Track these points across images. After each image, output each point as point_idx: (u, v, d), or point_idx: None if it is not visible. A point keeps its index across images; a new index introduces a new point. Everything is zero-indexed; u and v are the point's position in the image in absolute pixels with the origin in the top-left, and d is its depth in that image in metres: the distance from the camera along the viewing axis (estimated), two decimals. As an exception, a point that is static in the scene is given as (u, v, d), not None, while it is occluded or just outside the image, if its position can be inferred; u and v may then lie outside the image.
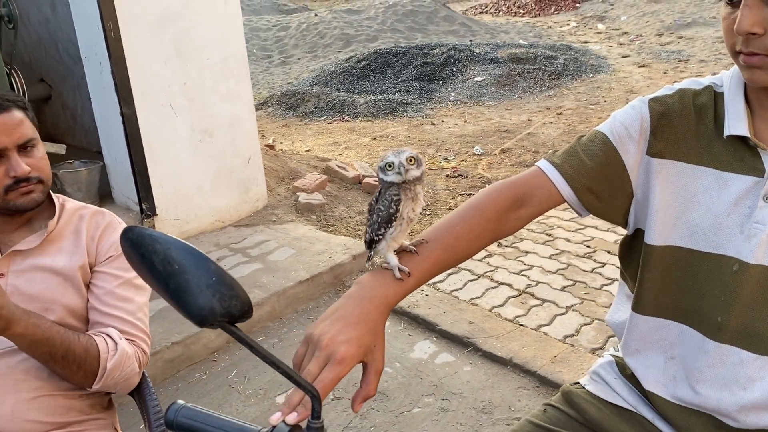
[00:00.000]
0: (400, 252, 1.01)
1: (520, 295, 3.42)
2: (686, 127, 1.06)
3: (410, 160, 0.95)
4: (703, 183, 1.04)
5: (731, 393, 1.04)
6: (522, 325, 3.13)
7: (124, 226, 1.63)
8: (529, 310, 3.28)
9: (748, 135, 0.99)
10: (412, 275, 0.97)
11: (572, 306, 3.29)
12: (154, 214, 3.83)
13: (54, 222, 1.55)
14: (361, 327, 0.88)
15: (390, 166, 0.95)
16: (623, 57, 10.39)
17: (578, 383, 1.29)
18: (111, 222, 1.61)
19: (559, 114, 7.57)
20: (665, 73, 9.18)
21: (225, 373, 3.03)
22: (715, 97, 1.05)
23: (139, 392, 1.64)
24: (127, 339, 1.52)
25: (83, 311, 1.54)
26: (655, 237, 1.08)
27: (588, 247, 3.94)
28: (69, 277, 1.52)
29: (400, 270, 0.97)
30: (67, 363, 1.40)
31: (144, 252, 0.74)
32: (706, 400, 1.06)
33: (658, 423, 1.14)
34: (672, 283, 1.09)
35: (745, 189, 1.00)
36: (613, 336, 3.02)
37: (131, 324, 1.54)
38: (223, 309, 0.73)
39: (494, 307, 3.32)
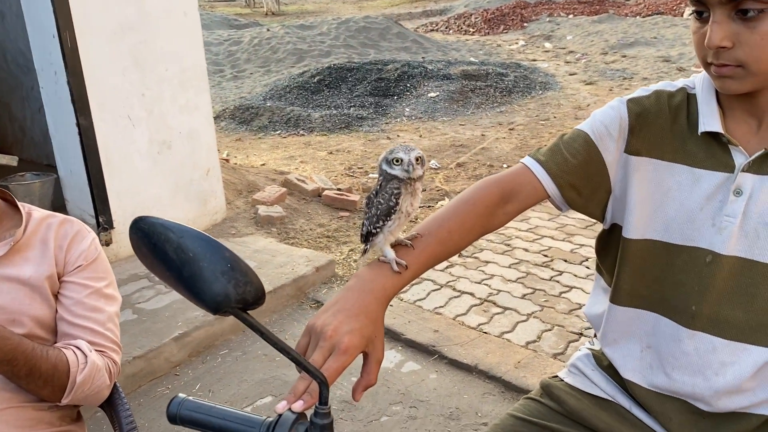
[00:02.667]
0: (396, 246, 1.04)
1: (483, 303, 3.48)
2: (662, 126, 1.13)
3: (417, 160, 0.98)
4: (677, 179, 1.11)
5: (705, 378, 1.10)
6: (485, 333, 3.18)
7: (93, 235, 1.62)
8: (492, 317, 3.34)
9: (722, 131, 1.06)
10: (408, 268, 1.00)
11: (533, 313, 3.37)
12: (111, 227, 3.75)
13: (21, 231, 1.51)
14: (363, 318, 0.91)
15: (398, 161, 0.98)
16: (570, 75, 10.72)
17: (557, 376, 1.34)
18: (80, 231, 1.58)
19: (512, 129, 7.75)
20: (611, 90, 9.51)
21: (189, 387, 2.98)
22: (688, 98, 1.13)
23: (110, 404, 1.61)
24: (97, 350, 1.49)
25: (52, 322, 1.50)
26: (632, 231, 1.14)
27: (545, 256, 4.05)
28: (36, 287, 1.48)
29: (397, 263, 0.99)
30: (32, 379, 1.37)
31: (157, 242, 0.75)
32: (681, 386, 1.12)
33: (635, 411, 1.19)
34: (648, 275, 1.15)
35: (717, 184, 1.07)
36: (574, 341, 3.11)
37: (101, 335, 1.51)
38: (238, 295, 0.74)
39: (458, 315, 3.37)
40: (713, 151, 1.08)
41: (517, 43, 14.21)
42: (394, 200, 0.99)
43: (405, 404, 2.77)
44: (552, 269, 3.88)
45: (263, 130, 8.53)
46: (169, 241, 0.74)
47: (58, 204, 3.91)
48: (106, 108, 3.66)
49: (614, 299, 1.20)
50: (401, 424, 2.66)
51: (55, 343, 1.50)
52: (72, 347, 1.45)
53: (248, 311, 0.77)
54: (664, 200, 1.12)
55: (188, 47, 4.06)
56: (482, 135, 7.58)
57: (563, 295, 3.56)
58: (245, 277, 0.75)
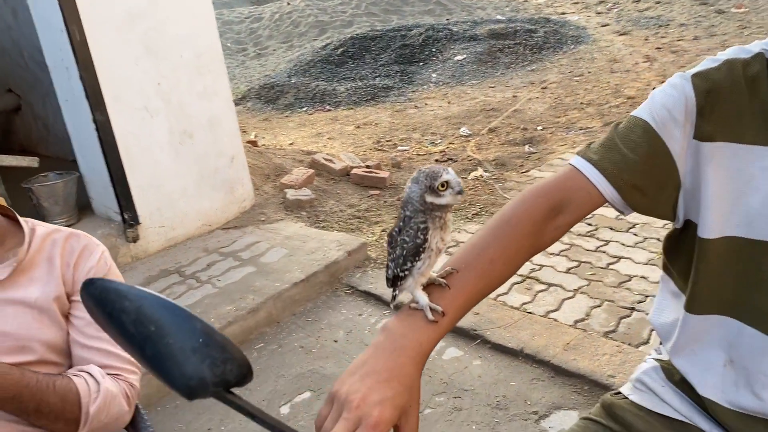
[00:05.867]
0: (429, 286, 0.87)
1: (525, 280, 3.30)
2: (738, 103, 0.92)
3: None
4: (761, 164, 0.91)
5: None
6: (530, 313, 3.01)
7: (102, 248, 1.48)
8: (536, 295, 3.16)
9: None
10: (446, 314, 0.84)
11: (579, 288, 3.18)
12: (137, 222, 3.67)
13: (24, 250, 1.39)
14: (395, 384, 0.76)
15: (444, 186, 0.82)
16: (602, 26, 10.25)
17: (619, 393, 1.16)
18: (87, 245, 1.46)
19: (544, 88, 7.44)
20: (646, 39, 9.06)
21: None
22: None
23: (133, 427, 1.50)
24: (112, 374, 1.38)
25: (64, 345, 1.39)
26: (709, 229, 0.95)
27: (589, 225, 3.83)
28: (45, 309, 1.36)
29: (432, 310, 0.83)
30: (41, 415, 1.27)
31: (111, 311, 0.60)
32: None
33: (717, 434, 1.02)
34: (730, 279, 0.96)
35: None
36: (626, 317, 2.91)
37: (117, 356, 1.40)
38: (215, 377, 0.60)
39: (499, 295, 3.20)
40: None
41: (544, -3, 13.67)
42: (422, 237, 0.83)
43: (449, 394, 2.63)
44: (597, 239, 3.66)
45: (290, 108, 8.39)
46: (126, 312, 0.60)
47: (83, 203, 3.84)
48: (122, 101, 3.54)
49: (690, 307, 1.02)
50: (446, 417, 2.53)
51: (71, 367, 1.39)
52: (83, 375, 1.34)
53: (233, 390, 0.62)
54: (746, 190, 0.92)
55: (201, 30, 3.90)
56: (514, 96, 7.30)
57: (611, 266, 3.35)
58: (224, 353, 0.60)
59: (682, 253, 1.03)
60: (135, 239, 3.66)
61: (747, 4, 9.71)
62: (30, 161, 3.49)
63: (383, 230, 4.05)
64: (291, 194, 4.35)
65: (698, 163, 0.95)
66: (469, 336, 2.93)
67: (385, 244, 0.93)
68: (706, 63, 0.96)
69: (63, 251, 1.43)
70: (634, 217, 3.87)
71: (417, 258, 0.84)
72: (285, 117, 8.11)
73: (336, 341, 3.10)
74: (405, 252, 0.84)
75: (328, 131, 7.01)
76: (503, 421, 2.46)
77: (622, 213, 1.01)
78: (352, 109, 7.89)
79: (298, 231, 3.97)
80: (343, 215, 4.28)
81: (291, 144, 6.62)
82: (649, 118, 0.95)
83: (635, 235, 3.66)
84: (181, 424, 2.69)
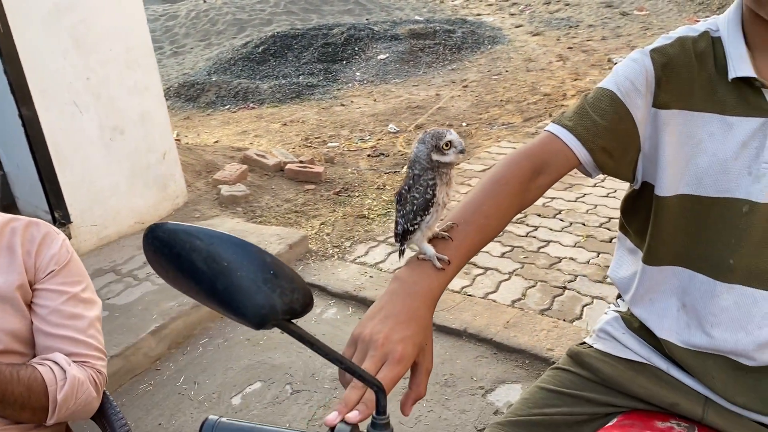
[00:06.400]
0: (432, 239, 0.96)
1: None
2: (689, 75, 1.06)
3: None
4: (708, 129, 1.05)
5: (747, 333, 1.06)
6: (470, 295, 3.15)
7: (63, 236, 1.48)
8: (474, 279, 3.31)
9: (754, 75, 1.00)
10: (451, 263, 0.93)
11: (514, 271, 3.35)
12: (69, 221, 3.55)
13: None
14: (413, 325, 0.83)
15: (448, 145, 0.90)
16: (517, 27, 10.68)
17: (584, 343, 1.29)
18: (48, 233, 1.44)
19: (466, 87, 7.69)
20: (558, 39, 9.52)
21: (172, 381, 2.86)
22: (713, 42, 1.06)
23: (102, 414, 1.50)
24: (79, 361, 1.38)
25: (28, 334, 1.38)
26: (665, 188, 1.09)
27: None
28: (7, 298, 1.34)
29: (439, 259, 0.92)
30: (6, 405, 1.26)
31: (181, 252, 0.64)
32: (722, 343, 1.08)
33: (673, 371, 1.15)
34: (682, 232, 1.10)
35: (752, 130, 1.02)
36: (558, 295, 3.10)
37: (83, 343, 1.39)
38: (285, 305, 0.65)
39: (440, 280, 3.32)
40: (746, 97, 1.02)
41: (459, -1, 14.07)
42: (431, 192, 0.91)
43: (399, 376, 2.72)
44: (527, 225, 3.86)
45: (211, 106, 8.26)
46: (197, 250, 0.64)
47: (7, 202, 3.67)
48: (50, 95, 3.42)
49: (647, 259, 1.15)
50: (398, 396, 2.61)
51: (35, 356, 1.38)
52: (48, 363, 1.33)
53: (294, 321, 0.68)
54: (695, 152, 1.06)
55: (132, 24, 3.82)
56: (437, 94, 7.50)
57: (541, 250, 3.55)
58: (291, 283, 0.65)
59: (639, 212, 1.16)
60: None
61: (648, 8, 10.38)
62: (-51, 159, 3.31)
63: (322, 223, 4.10)
64: (225, 190, 4.32)
65: (656, 128, 1.08)
66: (414, 320, 3.03)
67: (394, 203, 1.00)
68: (661, 40, 1.10)
69: (23, 239, 1.41)
70: (559, 204, 4.11)
71: (426, 212, 0.92)
72: (207, 115, 7.98)
73: (283, 332, 3.12)
74: (415, 207, 0.92)
75: (254, 129, 6.96)
76: (452, 398, 2.58)
77: (590, 175, 1.13)
78: (277, 106, 7.87)
79: (236, 226, 3.96)
80: (280, 210, 4.29)
81: (216, 142, 6.54)
82: (615, 89, 1.07)
83: (561, 220, 3.88)
84: (130, 421, 2.64)
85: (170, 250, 0.65)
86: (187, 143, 6.34)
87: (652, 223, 1.12)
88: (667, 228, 1.11)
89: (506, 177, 1.04)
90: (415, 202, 0.92)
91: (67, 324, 1.38)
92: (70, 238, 3.55)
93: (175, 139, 6.16)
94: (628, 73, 1.07)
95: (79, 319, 1.40)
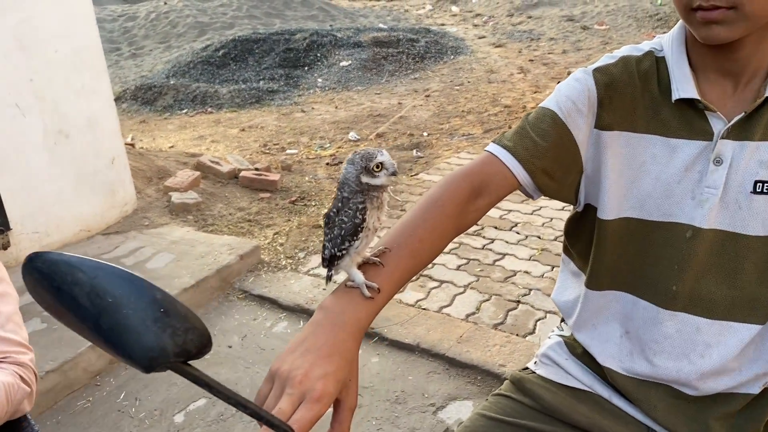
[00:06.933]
0: (363, 265, 0.90)
1: (418, 278, 3.39)
2: (632, 96, 1.02)
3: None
4: (651, 151, 1.01)
5: (690, 362, 1.03)
6: (424, 309, 3.10)
7: None
8: (429, 292, 3.26)
9: (697, 97, 0.97)
10: (381, 291, 0.87)
11: (469, 284, 3.32)
12: (8, 228, 3.39)
13: None
14: (337, 359, 0.77)
15: (379, 167, 0.84)
16: (479, 38, 10.75)
17: (527, 368, 1.24)
18: None
19: (428, 96, 7.68)
20: (520, 52, 9.61)
21: (112, 397, 2.74)
22: (657, 62, 1.03)
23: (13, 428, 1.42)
24: (2, 359, 1.31)
25: None
26: (607, 211, 1.05)
27: (476, 224, 4.00)
28: None
29: (368, 287, 0.86)
30: None
31: (62, 285, 0.57)
32: (664, 372, 1.05)
33: (616, 400, 1.12)
34: (625, 256, 1.07)
35: (695, 154, 0.98)
36: (512, 309, 3.08)
37: (4, 341, 1.33)
38: (177, 347, 0.58)
39: (394, 293, 3.27)
40: (689, 119, 0.99)
41: (424, 8, 14.14)
42: (360, 216, 0.86)
43: (348, 392, 2.65)
44: (483, 237, 3.84)
45: (168, 110, 8.09)
46: (79, 284, 0.57)
47: (-58, 207, 3.49)
48: (-11, 97, 3.27)
49: (590, 284, 1.11)
50: None
51: None
52: None
53: (190, 363, 0.61)
54: (638, 175, 1.02)
55: (79, 25, 3.68)
56: (399, 103, 7.48)
57: (497, 263, 3.53)
58: (185, 322, 0.59)
59: (582, 235, 1.12)
60: (5, 246, 3.38)
61: (608, 22, 10.56)
62: None
63: (276, 233, 4.01)
64: (176, 197, 4.20)
65: (598, 150, 1.04)
66: (367, 334, 2.95)
67: (322, 225, 0.94)
68: (605, 59, 1.06)
69: None
70: (516, 216, 4.10)
71: (355, 237, 0.86)
72: (164, 119, 7.81)
73: (230, 347, 3.03)
74: (343, 232, 0.86)
75: (211, 134, 6.83)
76: (402, 415, 2.52)
77: (531, 197, 1.09)
78: (235, 111, 7.74)
79: (185, 235, 3.84)
80: (232, 219, 4.19)
81: (171, 147, 6.39)
82: (556, 109, 1.03)
83: (517, 233, 3.87)
84: (65, 441, 2.52)
85: (50, 282, 0.58)
86: (142, 147, 6.18)
87: (595, 246, 1.09)
88: (609, 252, 1.08)
89: (443, 199, 0.98)
90: (343, 226, 0.86)
91: None
92: (8, 246, 3.40)
93: (129, 143, 6.01)
94: (570, 93, 1.03)
95: None
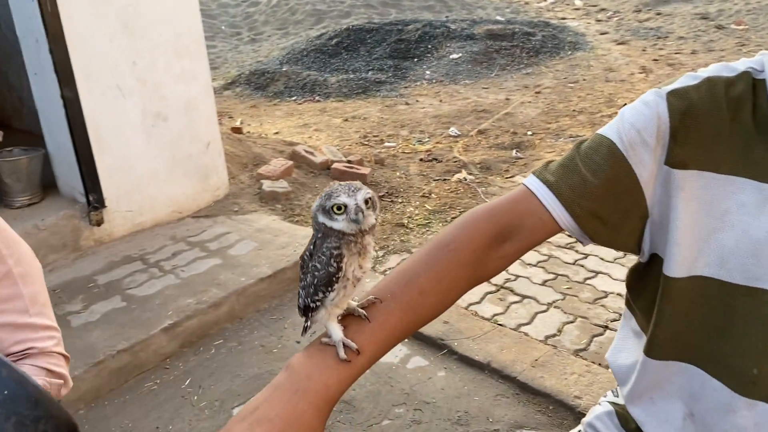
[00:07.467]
0: (347, 317, 0.75)
1: (499, 290, 3.19)
2: (717, 128, 0.80)
3: (367, 203, 0.70)
4: (738, 198, 0.79)
5: None
6: (501, 325, 2.90)
7: None
8: (508, 307, 3.05)
9: None
10: (362, 352, 0.72)
11: (554, 302, 3.07)
12: (103, 206, 3.52)
13: None
14: None
15: (339, 209, 0.70)
16: (601, 34, 10.15)
17: (571, 436, 1.05)
18: None
19: (538, 93, 7.33)
20: (644, 50, 8.97)
21: (178, 382, 2.77)
22: (754, 86, 0.80)
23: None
24: (26, 353, 1.25)
25: None
26: (676, 267, 0.84)
27: (570, 236, 3.72)
28: None
29: (345, 347, 0.71)
30: None
31: None
32: None
33: (672, 493, 0.91)
34: (697, 323, 0.85)
35: None
36: (598, 335, 2.81)
37: (27, 327, 1.27)
38: None
39: (471, 304, 3.09)
40: None
41: (546, 0, 13.56)
42: (335, 264, 0.71)
43: (409, 406, 2.52)
44: (576, 251, 3.56)
45: (279, 96, 8.24)
46: None
47: (47, 181, 3.69)
48: (93, 78, 3.39)
49: (650, 351, 0.90)
50: (403, 430, 2.41)
51: None
52: None
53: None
54: (719, 226, 0.81)
55: (182, 10, 3.75)
56: (506, 99, 7.19)
57: (588, 281, 3.25)
58: (34, 409, 0.47)
59: (647, 289, 0.92)
60: (99, 223, 3.52)
61: (747, 22, 9.64)
62: (-7, 134, 3.34)
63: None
64: (267, 185, 4.21)
65: (668, 192, 0.83)
66: (435, 345, 2.82)
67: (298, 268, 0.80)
68: (685, 79, 0.84)
69: None
70: (616, 231, 3.77)
71: (330, 288, 0.72)
72: (273, 105, 7.95)
73: (299, 342, 2.98)
74: (316, 281, 0.72)
75: (315, 122, 6.87)
76: (463, 438, 2.36)
77: (581, 243, 0.90)
78: (341, 101, 7.75)
79: (271, 224, 3.84)
80: (319, 210, 4.15)
81: (276, 133, 6.48)
82: (616, 138, 0.83)
83: (615, 251, 3.55)
84: (127, 421, 2.56)
85: None
86: (248, 132, 6.31)
87: (658, 307, 0.88)
88: (677, 316, 0.87)
89: (456, 241, 0.81)
90: (316, 273, 0.72)
91: (4, 309, 1.25)
92: (102, 222, 3.53)
93: (237, 127, 6.16)
94: (635, 120, 0.82)
95: (17, 300, 1.26)
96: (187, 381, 2.77)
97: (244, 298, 3.18)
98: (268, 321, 3.14)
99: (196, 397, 2.67)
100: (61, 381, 1.31)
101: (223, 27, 11.95)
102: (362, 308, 0.76)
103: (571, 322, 2.92)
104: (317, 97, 8.02)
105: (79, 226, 3.49)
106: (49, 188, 3.72)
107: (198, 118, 3.95)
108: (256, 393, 2.33)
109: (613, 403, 1.03)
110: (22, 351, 1.26)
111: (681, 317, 0.86)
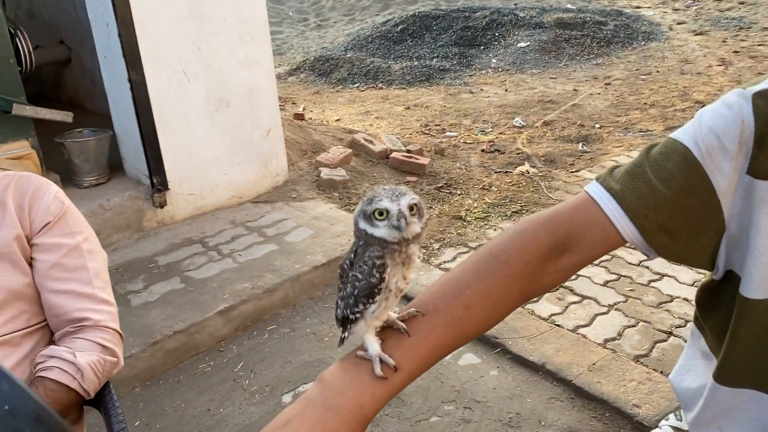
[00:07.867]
0: (385, 330, 0.71)
1: (557, 289, 3.09)
2: None
3: (412, 209, 0.65)
4: None
5: None
6: (558, 326, 2.81)
7: (56, 188, 1.38)
8: (567, 307, 2.95)
9: None
10: (399, 369, 0.68)
11: (615, 304, 2.95)
12: (166, 188, 3.60)
13: None
14: None
15: (381, 214, 0.65)
16: (678, 24, 9.70)
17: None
18: (38, 186, 1.38)
19: (608, 84, 7.07)
20: (724, 41, 8.52)
21: (231, 365, 2.80)
22: None
23: (103, 405, 1.42)
24: (82, 326, 1.31)
25: (32, 291, 1.33)
26: (755, 288, 0.75)
27: (634, 248, 3.57)
28: (4, 254, 1.29)
29: (382, 363, 0.67)
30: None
31: None
32: None
33: None
34: None
35: None
36: (661, 341, 2.68)
37: (88, 297, 1.34)
38: None
39: (528, 302, 3.00)
40: None
41: (620, -12, 13.06)
42: (378, 275, 0.66)
43: (459, 404, 2.47)
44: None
45: (342, 83, 8.24)
46: None
47: (115, 162, 3.80)
48: (160, 62, 3.46)
49: (720, 377, 0.82)
50: (452, 427, 2.37)
51: (40, 313, 1.34)
52: (52, 364, 1.27)
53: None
54: None
55: (248, -5, 3.77)
56: (574, 90, 6.97)
57: (652, 284, 3.10)
58: (36, 426, 0.45)
59: (720, 308, 0.83)
60: (162, 205, 3.60)
61: (840, 12, 9.02)
62: (64, 116, 3.44)
63: (416, 219, 3.88)
64: (325, 173, 4.21)
65: (749, 204, 0.74)
66: (489, 343, 2.75)
67: (337, 277, 0.76)
68: None
69: (15, 194, 1.36)
70: (686, 232, 3.59)
71: (371, 300, 0.67)
72: (336, 92, 7.97)
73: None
74: (357, 291, 0.67)
75: (377, 110, 6.84)
76: (513, 441, 2.29)
77: (647, 257, 0.82)
78: (404, 89, 7.69)
79: (328, 212, 3.84)
80: (376, 199, 4.12)
81: (338, 120, 6.49)
82: (692, 144, 0.75)
83: (684, 252, 3.38)
84: (180, 401, 2.61)
85: None
86: (311, 118, 6.35)
87: (732, 329, 0.80)
88: (753, 340, 0.78)
89: (509, 252, 0.75)
90: (356, 284, 0.67)
91: (69, 277, 1.34)
92: (165, 205, 3.60)
93: (299, 114, 6.20)
94: (714, 124, 0.74)
95: (82, 271, 1.35)
96: (240, 365, 2.80)
97: (299, 285, 3.19)
98: (320, 309, 3.14)
99: (247, 381, 2.70)
100: (115, 359, 1.34)
101: (290, 13, 12.05)
102: (402, 321, 0.71)
103: (633, 326, 2.79)
104: (380, 84, 7.99)
105: (142, 208, 3.57)
106: (115, 169, 3.83)
107: (260, 104, 3.97)
108: (306, 380, 2.31)
109: (675, 428, 0.95)
110: (80, 320, 1.32)
111: (758, 342, 0.78)
